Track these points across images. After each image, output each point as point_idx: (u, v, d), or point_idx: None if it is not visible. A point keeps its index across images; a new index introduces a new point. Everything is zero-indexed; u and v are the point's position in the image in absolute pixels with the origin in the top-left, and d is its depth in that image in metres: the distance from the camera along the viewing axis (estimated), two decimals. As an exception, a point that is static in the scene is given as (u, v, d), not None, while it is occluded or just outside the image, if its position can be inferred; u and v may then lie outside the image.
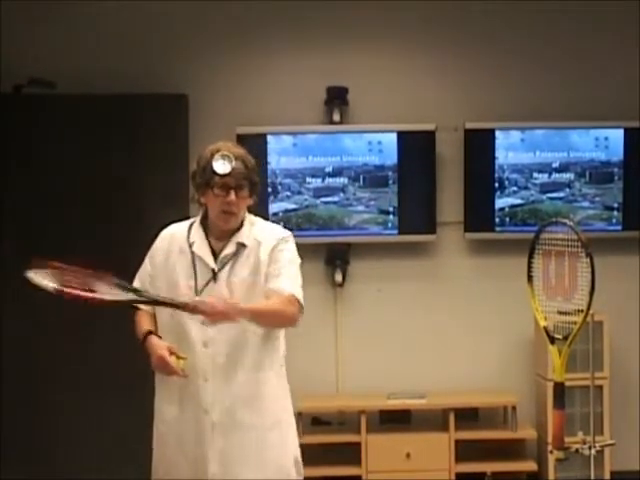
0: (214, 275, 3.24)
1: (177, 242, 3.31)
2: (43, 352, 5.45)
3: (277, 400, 3.33)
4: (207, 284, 3.23)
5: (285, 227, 3.47)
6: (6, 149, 5.45)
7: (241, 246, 3.26)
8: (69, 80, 5.56)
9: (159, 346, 3.18)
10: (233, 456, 3.24)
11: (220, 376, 3.23)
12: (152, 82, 5.70)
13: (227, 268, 3.25)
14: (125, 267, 5.33)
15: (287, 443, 3.34)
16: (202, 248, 3.27)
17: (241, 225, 3.30)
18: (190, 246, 3.28)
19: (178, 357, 3.16)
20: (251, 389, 3.26)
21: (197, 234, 3.29)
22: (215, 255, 3.26)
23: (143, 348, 3.26)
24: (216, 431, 3.23)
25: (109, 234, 5.49)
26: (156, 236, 3.41)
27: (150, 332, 3.25)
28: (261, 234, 3.31)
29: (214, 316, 3.01)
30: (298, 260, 3.33)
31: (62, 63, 5.70)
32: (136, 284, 3.31)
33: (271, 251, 3.27)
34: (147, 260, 3.37)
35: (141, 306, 3.31)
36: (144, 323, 3.31)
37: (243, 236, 3.28)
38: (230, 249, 3.26)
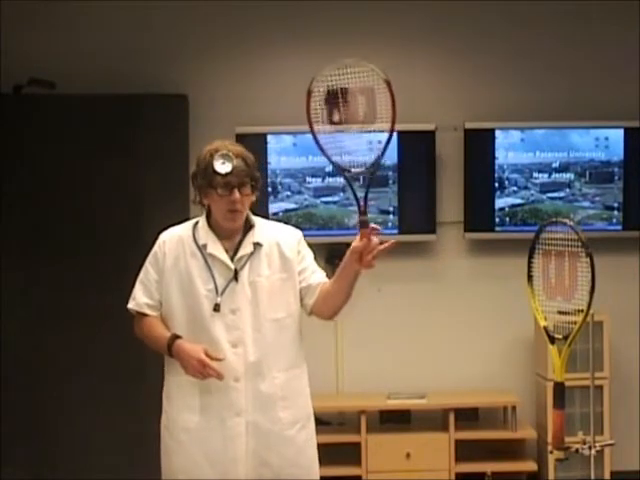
0: (235, 275, 3.23)
1: (186, 245, 3.27)
2: (43, 352, 5.45)
3: (307, 396, 3.37)
4: (228, 284, 3.22)
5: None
6: (6, 149, 5.45)
7: (257, 245, 3.27)
8: (69, 80, 5.56)
9: (194, 349, 3.14)
10: (267, 455, 3.23)
11: (253, 375, 3.22)
12: (152, 82, 5.69)
13: (246, 267, 3.25)
14: (124, 266, 5.33)
15: (314, 440, 3.39)
16: (218, 249, 3.25)
17: (250, 225, 3.31)
18: (201, 248, 3.25)
19: (212, 359, 3.13)
20: (287, 386, 3.27)
21: (207, 236, 3.26)
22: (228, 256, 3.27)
23: (169, 353, 3.20)
24: (250, 432, 3.21)
25: (109, 234, 5.49)
26: (154, 239, 3.35)
27: (177, 336, 3.20)
28: (277, 234, 3.34)
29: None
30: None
31: (62, 63, 5.70)
32: (141, 293, 3.28)
33: (297, 250, 3.32)
34: (148, 267, 3.30)
35: (148, 311, 3.27)
36: (159, 328, 3.26)
37: (258, 236, 3.29)
38: (248, 249, 3.26)
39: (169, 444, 3.28)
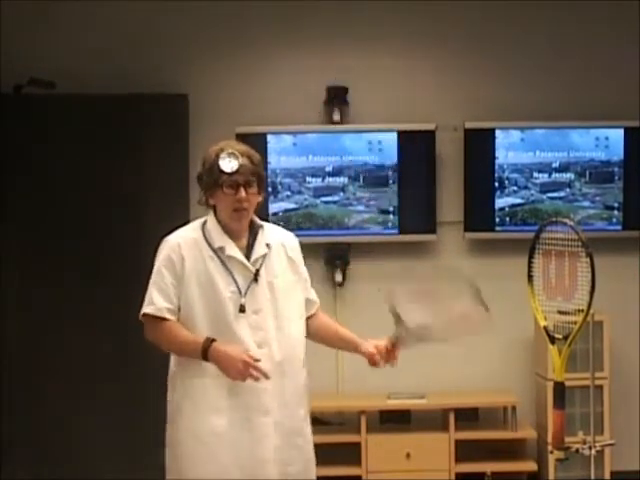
0: (256, 276, 3.23)
1: (203, 247, 3.23)
2: (43, 352, 5.45)
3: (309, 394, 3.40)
4: (249, 285, 3.22)
5: (284, 227, 3.55)
6: (6, 149, 5.45)
7: (268, 247, 3.29)
8: (69, 80, 5.55)
9: (237, 352, 3.11)
10: (290, 452, 3.25)
11: (279, 375, 3.22)
12: (152, 82, 5.69)
13: (263, 268, 3.25)
14: (124, 266, 5.34)
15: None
16: (235, 251, 3.23)
17: (259, 226, 3.31)
18: (217, 250, 3.22)
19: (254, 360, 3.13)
20: (304, 383, 3.32)
21: (222, 238, 3.24)
22: None
23: (204, 357, 3.12)
24: (277, 430, 3.21)
25: (109, 234, 5.49)
26: (157, 243, 3.30)
27: (212, 339, 3.13)
28: (280, 236, 3.37)
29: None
30: None
31: (62, 63, 5.69)
32: (160, 298, 3.19)
33: (299, 253, 3.38)
34: (164, 271, 3.20)
35: (168, 315, 3.19)
36: (184, 332, 3.18)
37: (268, 237, 3.30)
38: (262, 250, 3.27)
39: (196, 449, 3.19)
